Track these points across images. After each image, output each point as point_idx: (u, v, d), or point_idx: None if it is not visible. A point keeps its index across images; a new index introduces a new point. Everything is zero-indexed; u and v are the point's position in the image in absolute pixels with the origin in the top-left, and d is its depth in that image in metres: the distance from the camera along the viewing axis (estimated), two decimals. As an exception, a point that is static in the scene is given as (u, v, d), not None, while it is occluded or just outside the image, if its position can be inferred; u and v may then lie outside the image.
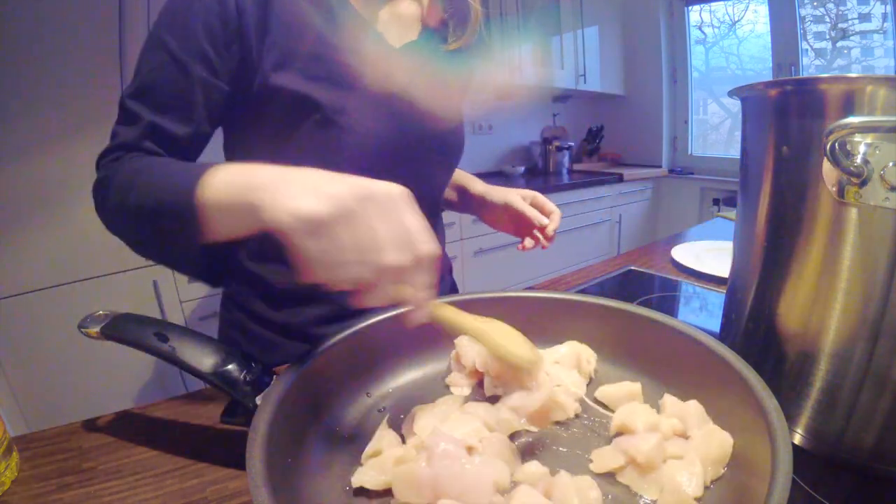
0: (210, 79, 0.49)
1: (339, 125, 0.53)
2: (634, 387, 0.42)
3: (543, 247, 0.71)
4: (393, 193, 0.31)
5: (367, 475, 0.33)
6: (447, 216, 1.81)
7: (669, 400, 0.40)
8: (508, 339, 0.41)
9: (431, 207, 0.69)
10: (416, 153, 0.61)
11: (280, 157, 0.54)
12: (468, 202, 0.80)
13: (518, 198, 0.73)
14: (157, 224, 0.40)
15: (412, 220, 0.31)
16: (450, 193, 0.81)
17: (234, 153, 0.59)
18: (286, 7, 0.51)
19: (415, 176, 0.62)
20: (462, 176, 0.81)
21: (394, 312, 0.47)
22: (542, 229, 0.71)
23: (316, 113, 0.52)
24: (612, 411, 0.41)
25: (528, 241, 0.71)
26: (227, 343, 0.66)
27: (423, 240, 0.31)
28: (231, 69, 0.50)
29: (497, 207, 0.75)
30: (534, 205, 0.73)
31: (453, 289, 0.81)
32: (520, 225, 0.74)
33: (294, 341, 0.62)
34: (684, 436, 0.37)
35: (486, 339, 0.40)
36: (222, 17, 0.48)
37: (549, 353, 0.47)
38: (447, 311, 0.40)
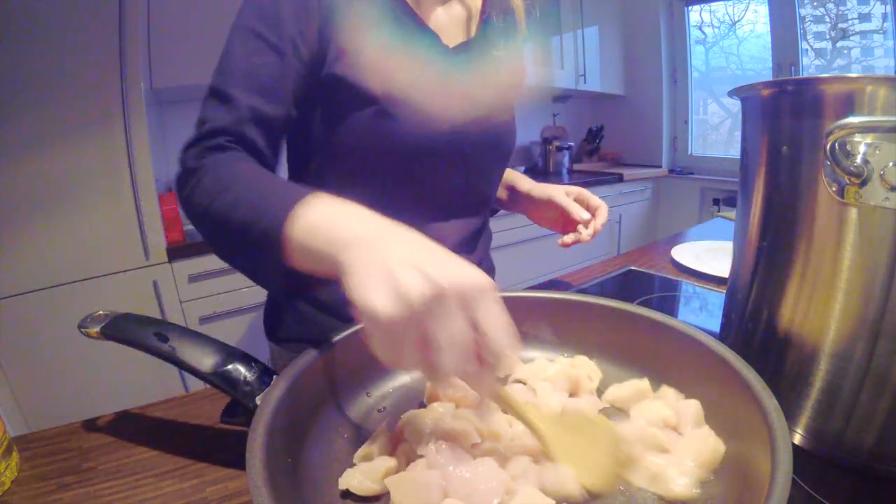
0: (300, 65, 0.51)
1: (395, 119, 0.54)
2: (642, 384, 0.42)
3: (585, 240, 0.69)
4: (474, 287, 0.29)
5: (354, 478, 0.33)
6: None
7: (670, 392, 0.41)
8: (577, 453, 0.34)
9: (483, 202, 0.70)
10: (469, 149, 0.62)
11: (336, 143, 0.56)
12: (516, 200, 0.80)
13: (561, 193, 0.72)
14: (241, 238, 0.39)
15: (490, 317, 0.29)
16: (500, 192, 0.82)
17: (295, 136, 0.61)
18: (348, 6, 0.53)
19: (467, 171, 0.64)
20: (511, 174, 0.81)
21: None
22: (586, 224, 0.70)
23: (372, 105, 0.54)
24: (623, 411, 0.41)
25: (568, 237, 0.69)
26: (270, 315, 0.70)
27: (499, 340, 0.29)
28: (313, 56, 0.52)
29: (541, 204, 0.75)
30: (579, 200, 0.72)
31: None
32: (564, 221, 0.73)
33: (329, 317, 0.63)
34: (676, 430, 0.38)
35: (552, 449, 0.34)
36: (307, 7, 0.51)
37: (541, 367, 0.46)
38: (520, 406, 0.35)
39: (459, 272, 0.29)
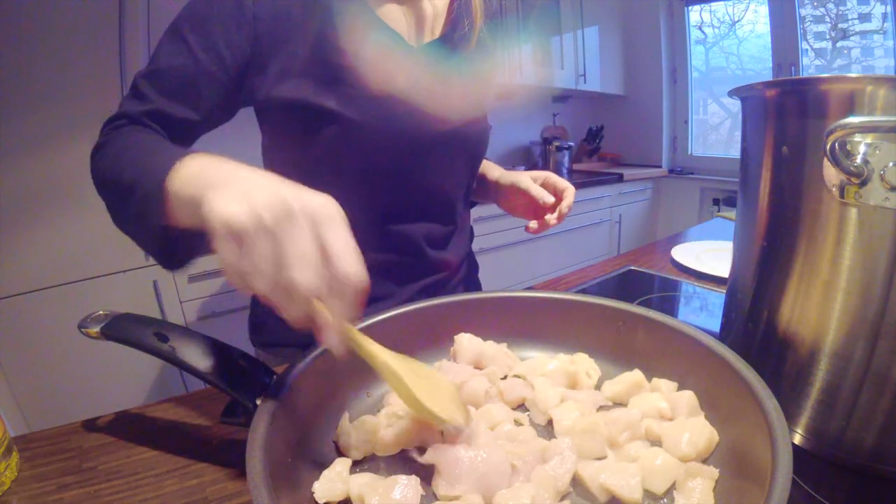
0: (221, 75, 0.52)
1: (357, 135, 0.55)
2: (636, 376, 0.43)
3: (550, 224, 0.68)
4: (322, 210, 0.30)
5: (324, 486, 0.32)
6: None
7: (663, 384, 0.41)
8: (427, 389, 0.36)
9: (451, 205, 0.68)
10: (437, 150, 0.61)
11: (303, 159, 0.56)
12: (486, 189, 0.79)
13: (525, 178, 0.71)
14: (128, 199, 0.40)
15: (337, 240, 0.30)
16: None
17: (267, 155, 0.62)
18: (301, 14, 0.52)
19: (437, 172, 0.63)
20: (483, 165, 0.79)
21: (394, 312, 0.47)
22: (553, 209, 0.69)
23: (333, 122, 0.54)
24: (624, 405, 0.42)
25: (533, 223, 0.68)
26: (255, 320, 0.70)
27: (344, 262, 0.29)
28: (242, 66, 0.53)
29: (508, 191, 0.74)
30: (546, 184, 0.71)
31: (478, 288, 0.80)
32: (534, 207, 0.71)
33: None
34: (670, 419, 0.38)
35: (398, 384, 0.35)
36: (238, 20, 0.51)
37: (540, 363, 0.47)
38: (366, 343, 0.35)
39: (311, 197, 0.30)
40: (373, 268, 0.31)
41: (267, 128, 0.59)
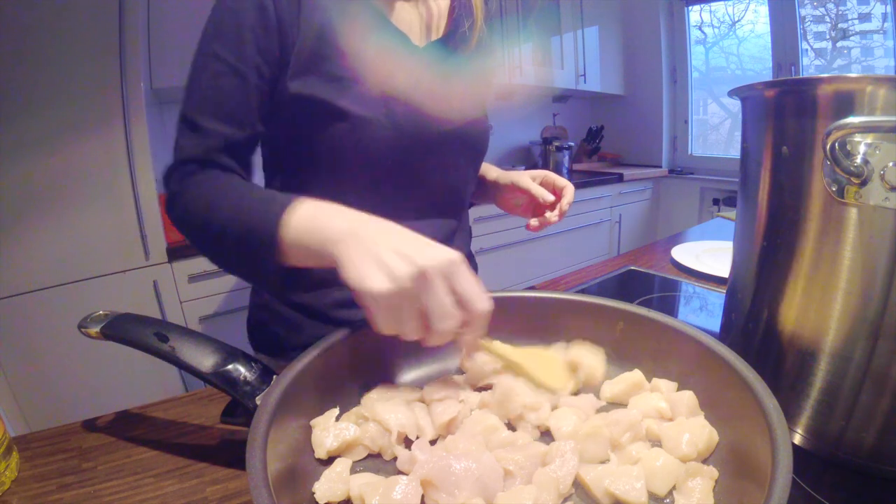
0: (263, 85, 0.52)
1: (367, 132, 0.55)
2: (636, 376, 0.43)
3: (551, 222, 0.69)
4: (449, 263, 0.36)
5: (324, 487, 0.33)
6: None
7: (665, 385, 0.41)
8: (542, 368, 0.43)
9: (458, 202, 0.70)
10: (440, 148, 0.62)
11: (306, 155, 0.57)
12: (485, 189, 0.80)
13: (525, 177, 0.72)
14: (239, 249, 0.44)
15: (467, 285, 0.36)
16: None
17: (267, 147, 0.62)
18: (314, 12, 0.53)
19: (440, 170, 0.64)
20: (481, 166, 0.80)
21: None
22: (553, 206, 0.70)
23: (341, 120, 0.54)
24: (624, 405, 0.42)
25: (534, 221, 0.69)
26: (255, 324, 0.70)
27: (476, 303, 0.36)
28: (275, 72, 0.53)
29: (507, 190, 0.74)
30: (545, 182, 0.71)
31: None
32: (533, 206, 0.72)
33: (317, 322, 0.63)
34: (670, 419, 0.39)
35: (522, 371, 0.43)
36: (264, 25, 0.50)
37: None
38: (496, 347, 0.43)
39: (435, 252, 0.36)
40: None
41: (270, 126, 0.59)
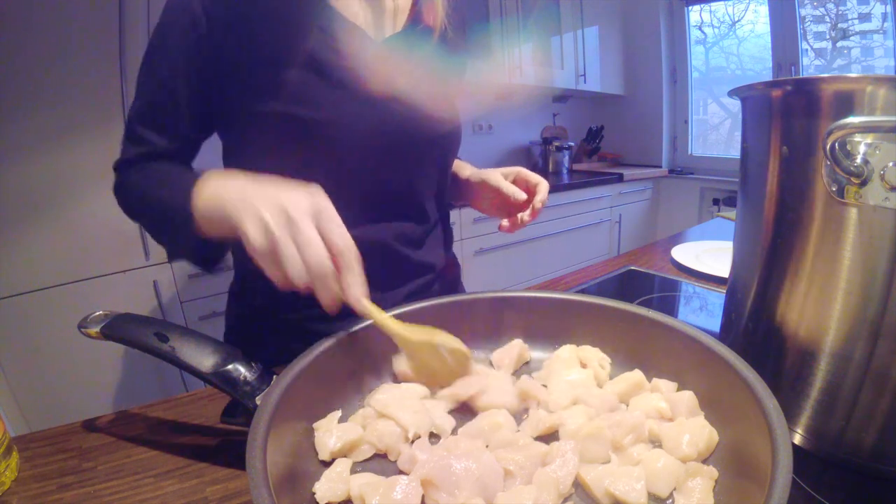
0: (200, 96, 0.54)
1: (317, 127, 0.54)
2: (636, 376, 0.43)
3: (523, 222, 0.66)
4: (311, 204, 0.39)
5: (324, 487, 0.33)
6: (447, 216, 1.81)
7: (665, 385, 0.41)
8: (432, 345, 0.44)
9: (423, 200, 0.66)
10: (407, 148, 0.60)
11: (258, 154, 0.57)
12: (457, 188, 0.76)
13: (495, 174, 0.68)
14: (165, 227, 0.50)
15: (329, 223, 0.39)
16: None
17: (231, 161, 0.62)
18: (258, 14, 0.52)
19: (404, 170, 0.61)
20: (456, 163, 0.76)
21: (393, 312, 0.47)
22: (525, 205, 0.66)
23: (292, 121, 0.53)
24: (625, 405, 0.42)
25: (505, 221, 0.66)
26: (231, 338, 0.69)
27: (338, 238, 0.38)
28: (212, 84, 0.54)
29: (478, 188, 0.71)
30: (517, 180, 0.68)
31: (455, 291, 0.79)
32: (506, 205, 0.69)
33: (294, 335, 0.61)
34: (670, 419, 0.38)
35: (404, 342, 0.43)
36: (196, 34, 0.52)
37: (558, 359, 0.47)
38: (375, 312, 0.42)
39: (301, 196, 0.39)
40: None
41: (224, 134, 0.60)
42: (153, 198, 0.50)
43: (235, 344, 0.68)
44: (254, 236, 0.38)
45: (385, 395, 0.41)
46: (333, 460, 0.36)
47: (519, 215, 0.66)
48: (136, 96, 0.54)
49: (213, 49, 0.52)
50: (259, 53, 0.52)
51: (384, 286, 0.63)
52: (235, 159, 0.60)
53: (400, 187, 0.62)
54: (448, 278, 0.74)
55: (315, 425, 0.38)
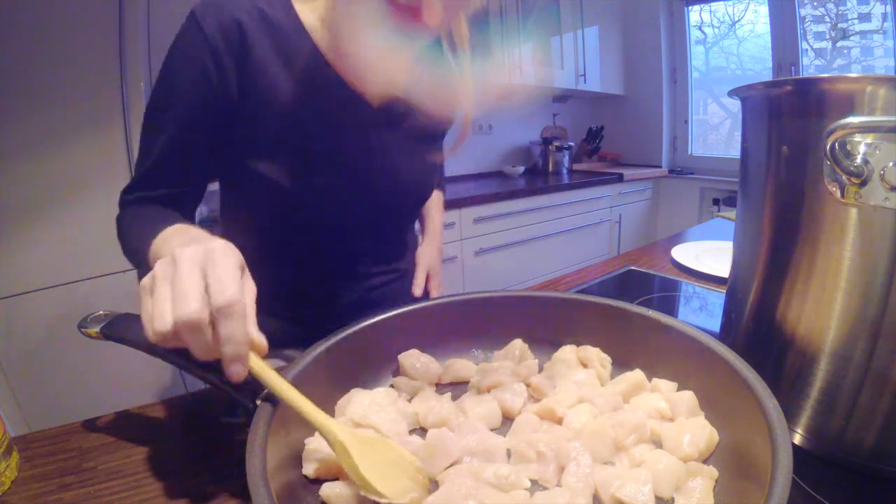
0: (204, 150, 0.54)
1: (307, 208, 0.57)
2: (637, 376, 0.43)
3: (416, 294, 0.75)
4: (206, 253, 0.33)
5: (333, 490, 0.32)
6: (448, 216, 1.81)
7: (665, 385, 0.41)
8: (382, 462, 0.33)
9: (399, 236, 0.74)
10: (387, 207, 0.65)
11: (242, 216, 0.61)
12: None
13: (422, 261, 0.78)
14: (136, 266, 0.49)
15: (214, 271, 0.32)
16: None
17: (225, 213, 0.66)
18: (260, 78, 0.52)
19: (385, 221, 0.67)
20: (427, 208, 0.85)
21: (393, 313, 0.47)
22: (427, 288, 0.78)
23: (285, 196, 0.55)
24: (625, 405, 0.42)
25: (418, 289, 0.76)
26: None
27: (217, 286, 0.31)
28: (219, 136, 0.54)
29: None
30: (429, 276, 0.79)
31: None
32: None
33: (292, 321, 0.65)
34: (670, 419, 0.39)
35: (339, 452, 0.32)
36: (206, 91, 0.50)
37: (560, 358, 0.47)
38: (272, 379, 0.33)
39: (199, 246, 0.33)
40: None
41: (229, 194, 0.63)
42: (131, 235, 0.51)
43: None
44: (142, 280, 0.33)
45: (355, 400, 0.40)
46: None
47: (415, 290, 0.76)
48: (140, 147, 0.54)
49: (223, 100, 0.52)
50: (255, 125, 0.53)
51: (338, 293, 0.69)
52: (227, 209, 0.65)
53: (384, 228, 0.68)
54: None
55: (306, 441, 0.36)
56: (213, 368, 0.37)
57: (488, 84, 0.66)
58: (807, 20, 2.33)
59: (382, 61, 0.55)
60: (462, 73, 0.59)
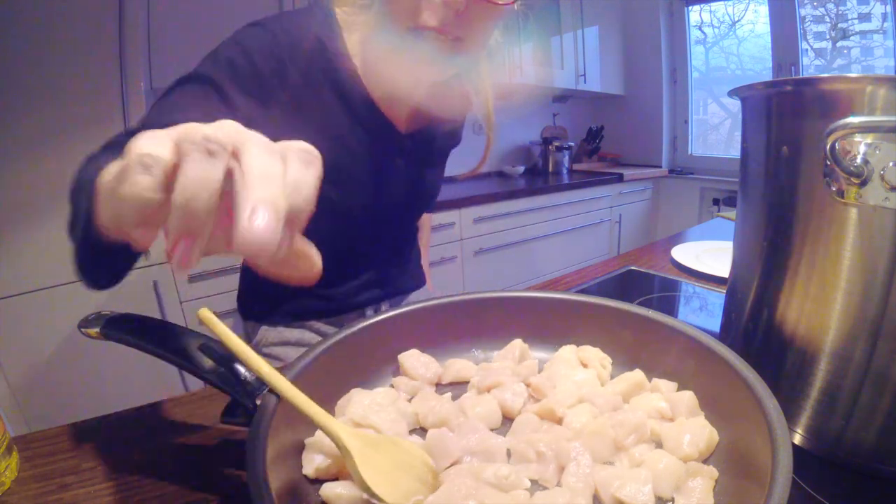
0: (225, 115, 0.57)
1: (327, 219, 0.61)
2: (637, 376, 0.43)
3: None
4: (237, 135, 0.22)
5: (334, 491, 0.32)
6: (448, 216, 1.82)
7: (665, 385, 0.41)
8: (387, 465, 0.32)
9: (405, 234, 0.81)
10: (397, 211, 0.71)
11: None
12: None
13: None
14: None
15: (252, 159, 0.21)
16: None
17: None
18: (306, 98, 0.56)
19: (393, 223, 0.74)
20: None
21: (393, 313, 0.47)
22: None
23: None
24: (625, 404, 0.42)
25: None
26: (244, 289, 0.79)
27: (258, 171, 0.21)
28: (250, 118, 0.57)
29: None
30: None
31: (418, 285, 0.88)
32: None
33: (309, 294, 0.71)
34: (670, 419, 0.38)
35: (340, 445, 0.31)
36: (252, 76, 0.54)
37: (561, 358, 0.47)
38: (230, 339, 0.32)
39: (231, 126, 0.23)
40: None
41: None
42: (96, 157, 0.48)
43: (250, 305, 0.77)
44: (144, 146, 0.21)
45: (356, 401, 0.40)
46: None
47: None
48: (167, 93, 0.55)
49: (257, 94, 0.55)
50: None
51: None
52: None
53: (391, 228, 0.76)
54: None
55: (307, 442, 0.36)
56: (213, 368, 0.37)
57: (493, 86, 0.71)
58: (807, 20, 2.34)
59: (415, 86, 0.61)
60: (482, 89, 0.65)
